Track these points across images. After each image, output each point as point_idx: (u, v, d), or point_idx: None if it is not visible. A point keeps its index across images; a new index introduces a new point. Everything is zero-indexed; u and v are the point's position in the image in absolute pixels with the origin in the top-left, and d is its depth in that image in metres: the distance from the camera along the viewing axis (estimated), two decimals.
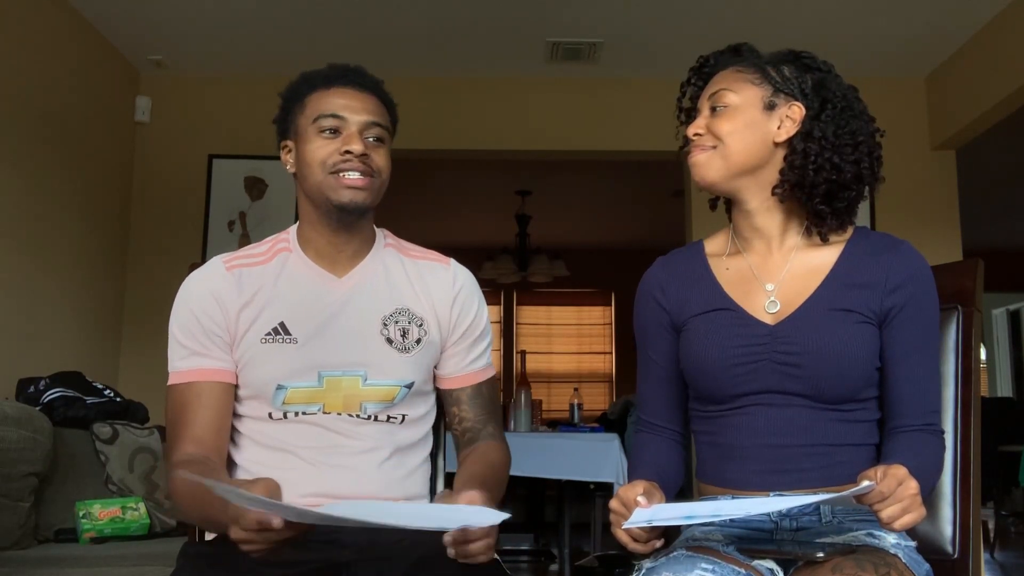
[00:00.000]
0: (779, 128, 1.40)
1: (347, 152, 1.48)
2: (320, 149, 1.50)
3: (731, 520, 1.38)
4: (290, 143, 1.57)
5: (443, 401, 1.65)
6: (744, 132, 1.40)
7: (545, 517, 6.43)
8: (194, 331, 1.50)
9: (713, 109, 1.43)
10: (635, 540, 1.24)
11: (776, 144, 1.41)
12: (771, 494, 1.34)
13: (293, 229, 1.61)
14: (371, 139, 1.52)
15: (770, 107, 1.41)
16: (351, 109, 1.51)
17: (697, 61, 1.52)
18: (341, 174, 1.49)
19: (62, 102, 3.99)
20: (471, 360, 1.63)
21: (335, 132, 1.50)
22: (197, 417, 1.47)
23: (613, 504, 1.26)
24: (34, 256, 3.78)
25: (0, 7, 3.49)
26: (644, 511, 1.22)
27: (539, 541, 5.94)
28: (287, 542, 1.18)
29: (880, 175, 1.43)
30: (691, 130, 1.44)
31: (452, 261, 1.65)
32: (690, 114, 1.51)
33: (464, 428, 1.62)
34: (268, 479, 1.22)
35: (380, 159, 1.52)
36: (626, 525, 1.22)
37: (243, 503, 1.13)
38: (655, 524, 1.21)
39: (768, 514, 1.36)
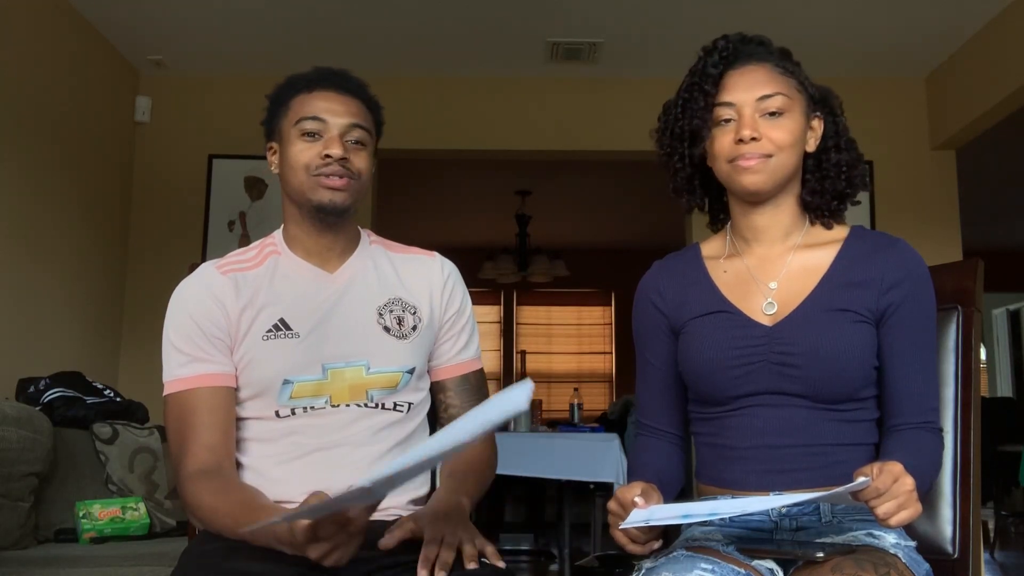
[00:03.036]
0: (809, 138, 1.42)
1: (327, 156, 1.50)
2: (302, 153, 1.51)
3: (730, 520, 1.38)
4: (275, 145, 1.59)
5: (431, 390, 1.67)
6: (797, 143, 1.39)
7: (545, 517, 6.43)
8: (194, 336, 1.49)
9: (771, 113, 1.37)
10: (633, 541, 1.25)
11: (806, 154, 1.42)
12: (770, 494, 1.34)
13: (278, 232, 1.63)
14: (351, 142, 1.53)
15: (809, 117, 1.42)
16: (332, 112, 1.52)
17: (714, 43, 1.43)
18: (321, 177, 1.50)
19: (62, 102, 3.99)
20: (459, 350, 1.65)
21: (316, 135, 1.52)
22: (205, 423, 1.46)
23: (611, 505, 1.26)
24: (34, 256, 3.77)
25: (0, 7, 3.49)
26: (641, 511, 1.22)
27: (539, 541, 5.94)
28: (359, 533, 1.21)
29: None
30: (747, 133, 1.36)
31: (436, 253, 1.68)
32: (696, 101, 1.41)
33: (450, 415, 1.65)
34: (316, 492, 1.20)
35: (360, 162, 1.53)
36: (623, 525, 1.22)
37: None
38: (652, 524, 1.21)
39: (768, 514, 1.36)
